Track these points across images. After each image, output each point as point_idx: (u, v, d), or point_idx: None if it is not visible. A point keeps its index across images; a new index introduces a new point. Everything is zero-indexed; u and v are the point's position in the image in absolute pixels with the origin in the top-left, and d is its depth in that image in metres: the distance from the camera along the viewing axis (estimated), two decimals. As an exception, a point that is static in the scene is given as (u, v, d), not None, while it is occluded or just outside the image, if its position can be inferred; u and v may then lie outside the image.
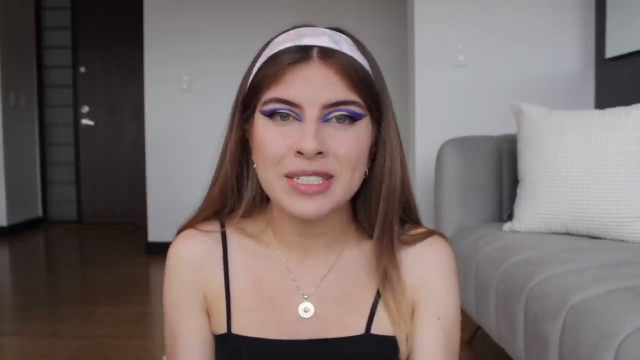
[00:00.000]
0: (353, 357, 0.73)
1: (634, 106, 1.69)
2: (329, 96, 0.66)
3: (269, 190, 0.70)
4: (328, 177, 0.66)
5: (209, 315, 0.77)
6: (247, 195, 0.76)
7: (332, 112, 0.66)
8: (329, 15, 3.70)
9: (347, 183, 0.68)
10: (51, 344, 2.25)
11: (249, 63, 0.75)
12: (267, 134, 0.67)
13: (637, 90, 2.21)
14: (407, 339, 0.73)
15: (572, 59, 2.58)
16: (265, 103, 0.67)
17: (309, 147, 0.64)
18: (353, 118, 0.67)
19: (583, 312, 1.12)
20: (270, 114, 0.67)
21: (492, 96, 2.55)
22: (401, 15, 3.29)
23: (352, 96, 0.67)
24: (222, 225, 0.78)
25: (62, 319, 2.59)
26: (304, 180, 0.66)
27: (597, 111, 1.76)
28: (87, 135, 5.42)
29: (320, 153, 0.65)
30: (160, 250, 3.85)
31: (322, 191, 0.66)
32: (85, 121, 5.39)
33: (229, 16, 3.88)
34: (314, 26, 0.72)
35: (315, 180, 0.66)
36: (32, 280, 3.39)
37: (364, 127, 0.69)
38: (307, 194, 0.66)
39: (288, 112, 0.66)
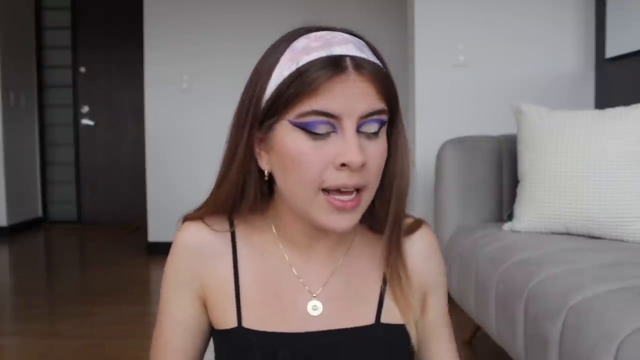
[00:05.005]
0: (364, 346, 0.74)
1: (634, 106, 1.69)
2: (365, 107, 0.66)
3: (298, 204, 0.69)
4: (362, 189, 0.67)
5: (211, 309, 0.77)
6: (250, 195, 0.75)
7: (365, 124, 0.67)
8: (329, 15, 3.69)
9: (373, 191, 0.70)
10: (51, 344, 2.25)
11: (259, 64, 0.71)
12: (304, 150, 0.66)
13: (637, 90, 2.21)
14: (415, 326, 0.76)
15: (572, 59, 2.58)
16: (302, 115, 0.66)
17: (357, 160, 0.64)
18: (378, 128, 0.68)
19: (583, 312, 1.12)
20: (305, 128, 0.66)
21: (492, 96, 2.55)
22: (401, 15, 3.29)
23: (381, 105, 0.68)
24: (231, 224, 0.78)
25: (62, 318, 2.59)
26: (342, 197, 0.67)
27: (597, 111, 1.76)
28: (87, 135, 5.42)
29: (363, 165, 0.65)
30: (160, 250, 3.87)
31: (356, 206, 0.67)
32: (85, 121, 5.39)
33: (229, 16, 3.88)
34: (331, 28, 0.71)
35: (350, 197, 0.67)
36: (32, 280, 3.39)
37: (384, 133, 0.70)
38: (343, 209, 0.67)
39: (327, 126, 0.65)
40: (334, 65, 0.65)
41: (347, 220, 0.68)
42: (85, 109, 5.38)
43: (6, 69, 4.74)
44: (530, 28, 2.56)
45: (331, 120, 0.65)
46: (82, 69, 5.35)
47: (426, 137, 2.54)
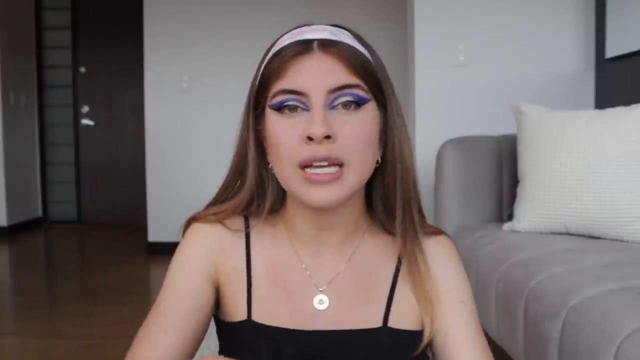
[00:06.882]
0: (370, 348, 0.74)
1: (634, 106, 1.69)
2: (333, 81, 0.68)
3: (286, 185, 0.71)
4: (339, 164, 0.68)
5: (224, 299, 0.78)
6: (270, 197, 0.77)
7: (337, 98, 0.68)
8: (329, 15, 3.69)
9: (358, 169, 0.69)
10: (51, 344, 2.25)
11: (256, 65, 0.76)
12: (278, 128, 0.69)
13: (637, 90, 2.21)
14: (431, 322, 0.75)
15: (572, 59, 2.57)
16: (273, 97, 0.69)
17: (317, 131, 0.65)
18: (358, 103, 0.69)
19: (583, 312, 1.12)
20: (279, 108, 0.69)
21: (492, 96, 2.55)
22: (401, 15, 3.29)
23: (354, 80, 0.69)
24: (247, 225, 0.79)
25: (62, 318, 2.59)
26: (317, 170, 0.67)
27: (597, 111, 1.76)
28: (87, 135, 5.41)
29: (328, 137, 0.66)
30: (161, 250, 3.88)
31: (334, 179, 0.67)
32: (85, 121, 5.39)
33: (229, 16, 3.89)
34: (315, 24, 0.74)
35: (328, 170, 0.67)
36: (32, 280, 3.39)
37: (370, 111, 0.71)
38: (320, 182, 0.67)
39: (295, 102, 0.68)
40: (300, 46, 0.68)
41: (326, 195, 0.68)
42: (85, 109, 5.37)
43: (6, 69, 4.74)
44: (530, 28, 2.56)
45: (300, 97, 0.68)
46: (82, 69, 5.35)
47: (426, 137, 2.54)
